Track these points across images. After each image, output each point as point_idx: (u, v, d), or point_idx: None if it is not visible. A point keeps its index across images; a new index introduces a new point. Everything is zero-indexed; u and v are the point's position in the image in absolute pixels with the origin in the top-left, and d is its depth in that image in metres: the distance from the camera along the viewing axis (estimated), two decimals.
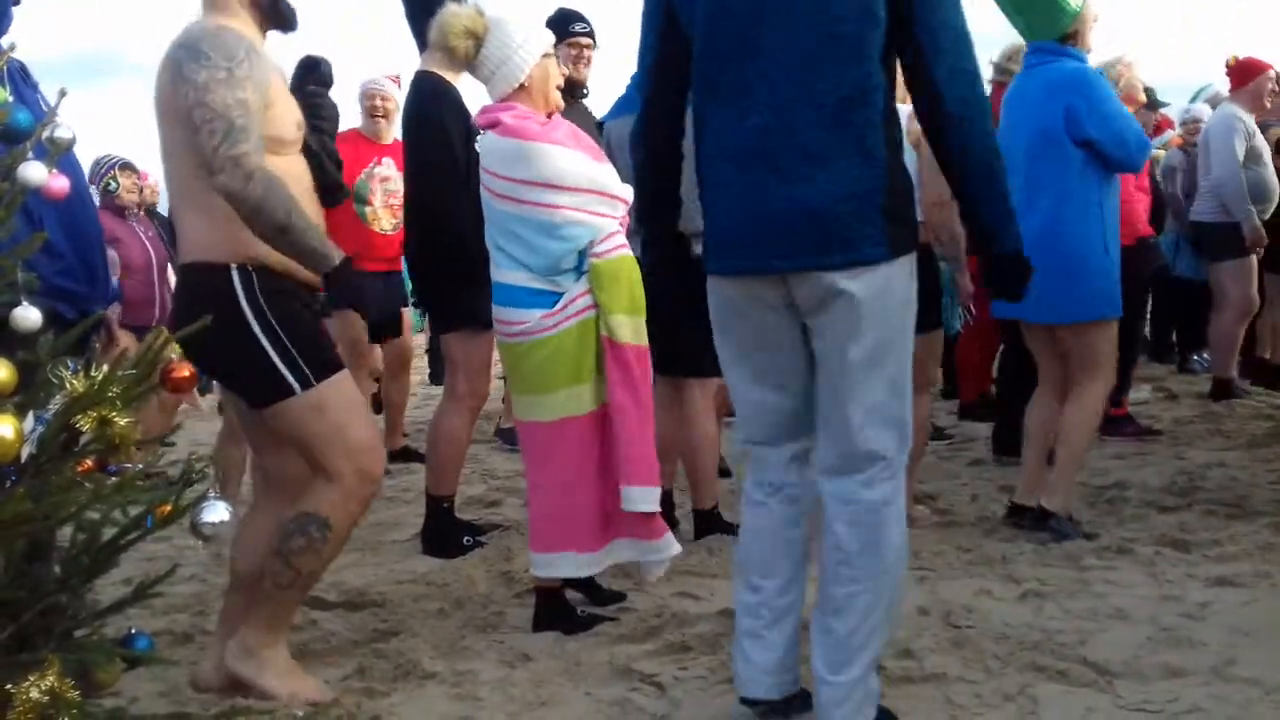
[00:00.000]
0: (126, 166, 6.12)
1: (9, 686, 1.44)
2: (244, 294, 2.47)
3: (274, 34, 2.62)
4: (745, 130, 2.10)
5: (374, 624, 3.12)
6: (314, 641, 2.97)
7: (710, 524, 3.82)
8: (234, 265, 2.47)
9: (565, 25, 4.30)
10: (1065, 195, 3.55)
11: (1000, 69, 4.77)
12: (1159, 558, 3.38)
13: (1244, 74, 5.94)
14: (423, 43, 3.91)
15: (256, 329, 2.47)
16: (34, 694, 1.46)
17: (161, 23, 2.55)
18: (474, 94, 3.96)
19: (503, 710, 2.52)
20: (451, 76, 3.88)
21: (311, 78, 3.56)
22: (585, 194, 2.89)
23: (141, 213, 6.32)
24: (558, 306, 2.91)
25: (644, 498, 2.94)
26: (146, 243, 6.05)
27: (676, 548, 3.05)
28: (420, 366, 10.09)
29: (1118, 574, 3.25)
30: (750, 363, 2.27)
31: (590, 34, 4.33)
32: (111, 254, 6.13)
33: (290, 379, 2.48)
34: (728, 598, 2.67)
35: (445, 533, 3.94)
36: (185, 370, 1.95)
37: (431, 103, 3.80)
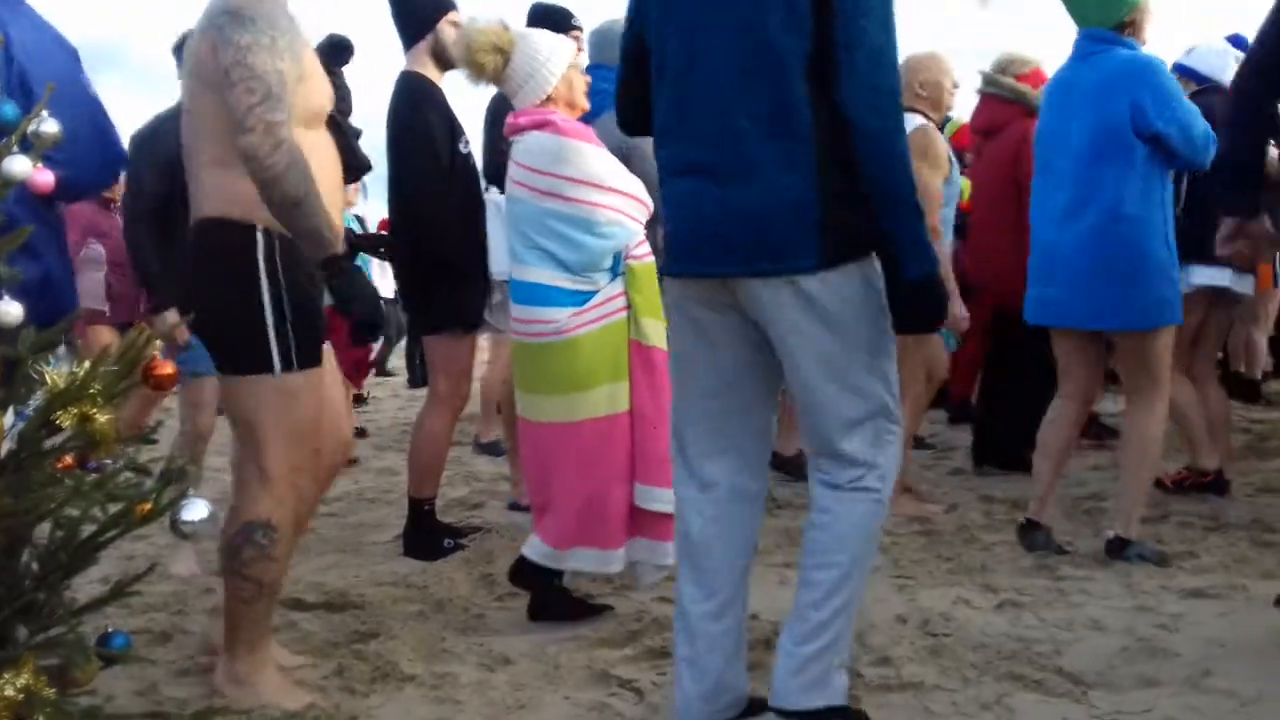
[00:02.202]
0: None
1: None
2: (264, 258, 2.45)
3: None
4: (688, 139, 2.15)
5: (354, 625, 3.11)
6: (293, 642, 2.96)
7: None
8: (260, 227, 2.44)
9: (566, 21, 4.33)
10: (1129, 193, 3.34)
11: (989, 80, 4.77)
12: (1135, 569, 3.40)
13: None
14: (408, 42, 3.92)
15: (265, 294, 2.44)
16: (9, 691, 1.46)
17: (165, 16, 2.54)
18: (459, 95, 3.98)
19: (481, 713, 2.51)
20: (436, 77, 3.88)
21: (340, 58, 3.55)
22: (624, 197, 2.96)
23: None
24: (591, 304, 2.94)
25: (659, 497, 2.97)
26: None
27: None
28: (399, 368, 10.10)
29: (1094, 584, 3.28)
30: (698, 364, 2.28)
31: (581, 27, 4.38)
32: (97, 248, 5.96)
33: (275, 355, 2.45)
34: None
35: (426, 535, 3.93)
36: (167, 368, 1.95)
37: (416, 104, 3.79)
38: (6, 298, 1.86)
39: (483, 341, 5.13)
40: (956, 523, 4.03)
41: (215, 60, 2.38)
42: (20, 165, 1.91)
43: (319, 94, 2.54)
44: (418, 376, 9.30)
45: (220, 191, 2.46)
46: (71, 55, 2.66)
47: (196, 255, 2.55)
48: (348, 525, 4.39)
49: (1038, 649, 2.76)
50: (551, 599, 3.08)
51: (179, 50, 3.74)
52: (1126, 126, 3.35)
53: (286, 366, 2.47)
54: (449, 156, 3.78)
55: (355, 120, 4.23)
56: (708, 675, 2.26)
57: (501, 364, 5.77)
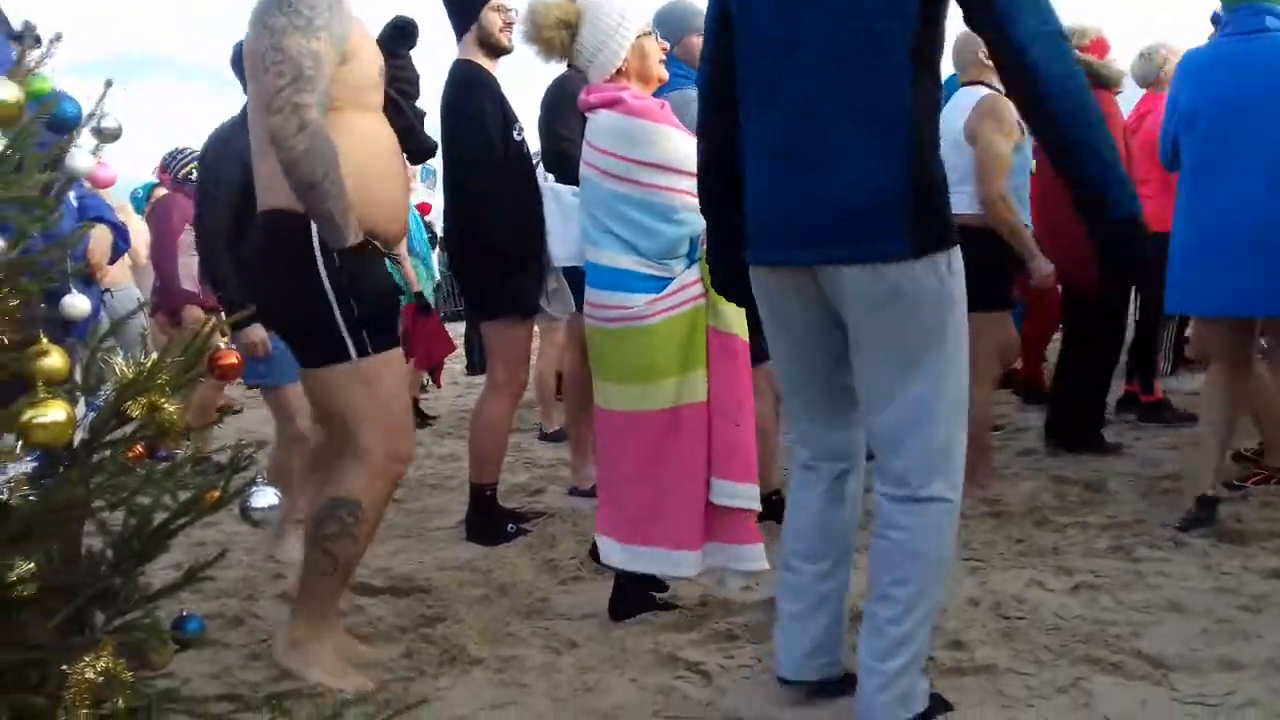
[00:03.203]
0: None
1: (64, 667, 1.46)
2: (320, 246, 2.43)
3: None
4: (777, 124, 2.12)
5: (420, 610, 3.14)
6: (361, 626, 2.99)
7: (771, 510, 3.73)
8: None
9: None
10: None
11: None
12: (1214, 549, 3.31)
13: None
14: (458, 31, 3.92)
15: (327, 285, 2.43)
16: (89, 674, 1.48)
17: (211, 22, 2.55)
18: (512, 81, 3.96)
19: (548, 696, 2.52)
20: (489, 65, 3.87)
21: (405, 41, 3.55)
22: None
23: None
24: (667, 291, 2.81)
25: (735, 492, 2.82)
26: None
27: (764, 564, 2.86)
28: (458, 355, 10.16)
29: (1172, 566, 3.19)
30: (789, 350, 2.31)
31: None
32: (190, 238, 6.15)
33: (349, 343, 2.46)
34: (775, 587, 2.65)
35: (489, 520, 3.95)
36: (232, 357, 1.96)
37: (469, 91, 3.80)
38: (75, 291, 1.89)
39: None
40: (1028, 504, 3.95)
41: (256, 41, 2.38)
42: (84, 161, 1.94)
43: (367, 73, 2.51)
44: (475, 363, 9.37)
45: (276, 182, 2.45)
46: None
47: (260, 249, 2.57)
48: (411, 511, 4.43)
49: (1115, 631, 2.69)
50: (632, 594, 3.01)
51: (236, 62, 3.76)
52: None
53: (362, 352, 2.48)
54: (502, 144, 3.78)
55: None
56: (811, 632, 2.32)
57: (554, 352, 5.79)
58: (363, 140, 2.46)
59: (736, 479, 2.82)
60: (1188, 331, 5.14)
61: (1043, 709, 2.32)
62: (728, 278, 2.46)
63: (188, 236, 6.10)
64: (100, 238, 3.12)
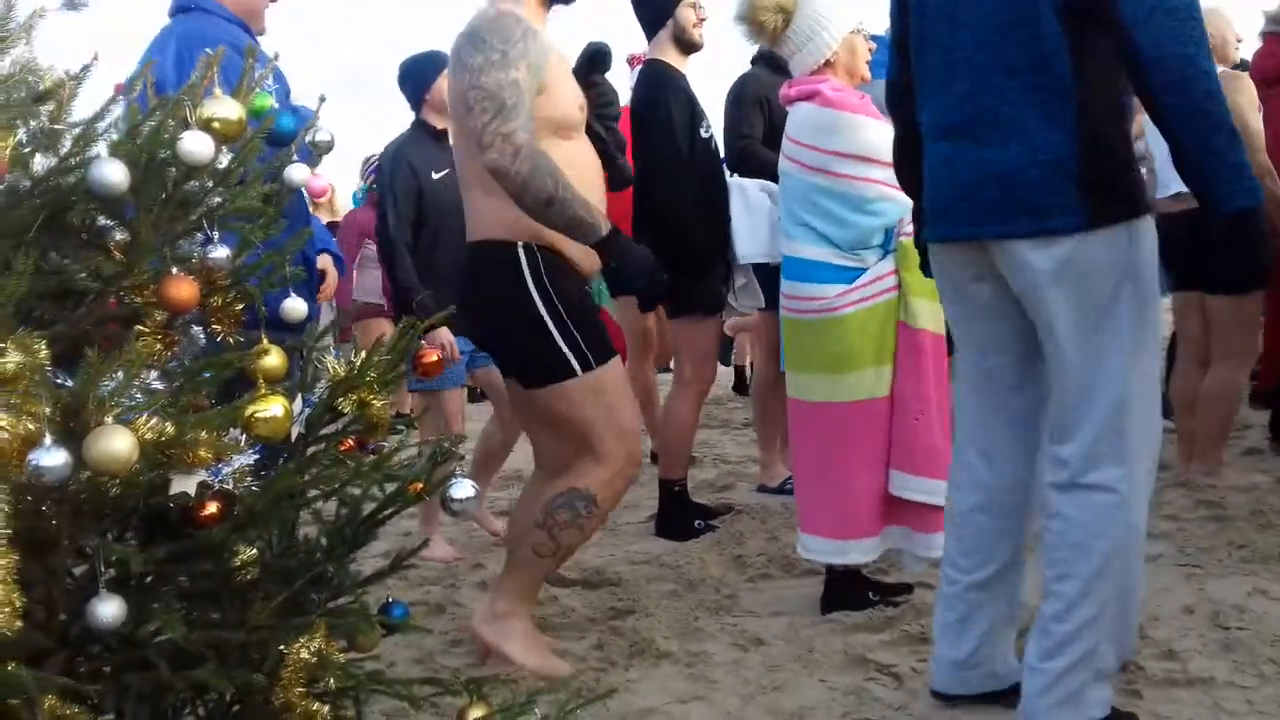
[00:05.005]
0: None
1: (282, 647, 1.56)
2: (530, 271, 2.52)
3: (557, 8, 2.67)
4: (949, 101, 2.11)
5: (611, 602, 3.20)
6: (555, 616, 3.08)
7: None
8: (520, 243, 2.53)
9: None
10: None
11: (1276, 19, 4.30)
12: None
13: None
14: (650, 32, 3.96)
15: (541, 308, 2.52)
16: (304, 654, 1.57)
17: (400, 48, 2.67)
18: (701, 82, 3.98)
19: (736, 693, 2.52)
20: (679, 63, 3.90)
21: (599, 66, 3.68)
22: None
23: None
24: (859, 283, 2.83)
25: (907, 485, 2.84)
26: None
27: (939, 553, 2.83)
28: None
29: None
30: (970, 331, 2.25)
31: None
32: (372, 249, 6.41)
33: (572, 360, 2.54)
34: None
35: (678, 516, 3.99)
36: (433, 355, 2.06)
37: (659, 92, 3.84)
38: (293, 295, 2.02)
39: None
40: (1251, 507, 3.68)
41: (457, 81, 2.48)
42: (300, 173, 2.07)
43: (567, 103, 2.57)
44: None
45: (483, 214, 2.57)
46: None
47: (471, 279, 2.66)
48: None
49: None
50: (843, 587, 2.99)
51: (403, 80, 3.91)
52: None
53: (586, 366, 2.55)
54: (689, 141, 3.80)
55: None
56: (965, 643, 2.24)
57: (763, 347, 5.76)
58: (566, 166, 2.51)
59: (918, 473, 2.83)
60: None
61: None
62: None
63: (367, 251, 6.34)
64: (331, 277, 3.26)
